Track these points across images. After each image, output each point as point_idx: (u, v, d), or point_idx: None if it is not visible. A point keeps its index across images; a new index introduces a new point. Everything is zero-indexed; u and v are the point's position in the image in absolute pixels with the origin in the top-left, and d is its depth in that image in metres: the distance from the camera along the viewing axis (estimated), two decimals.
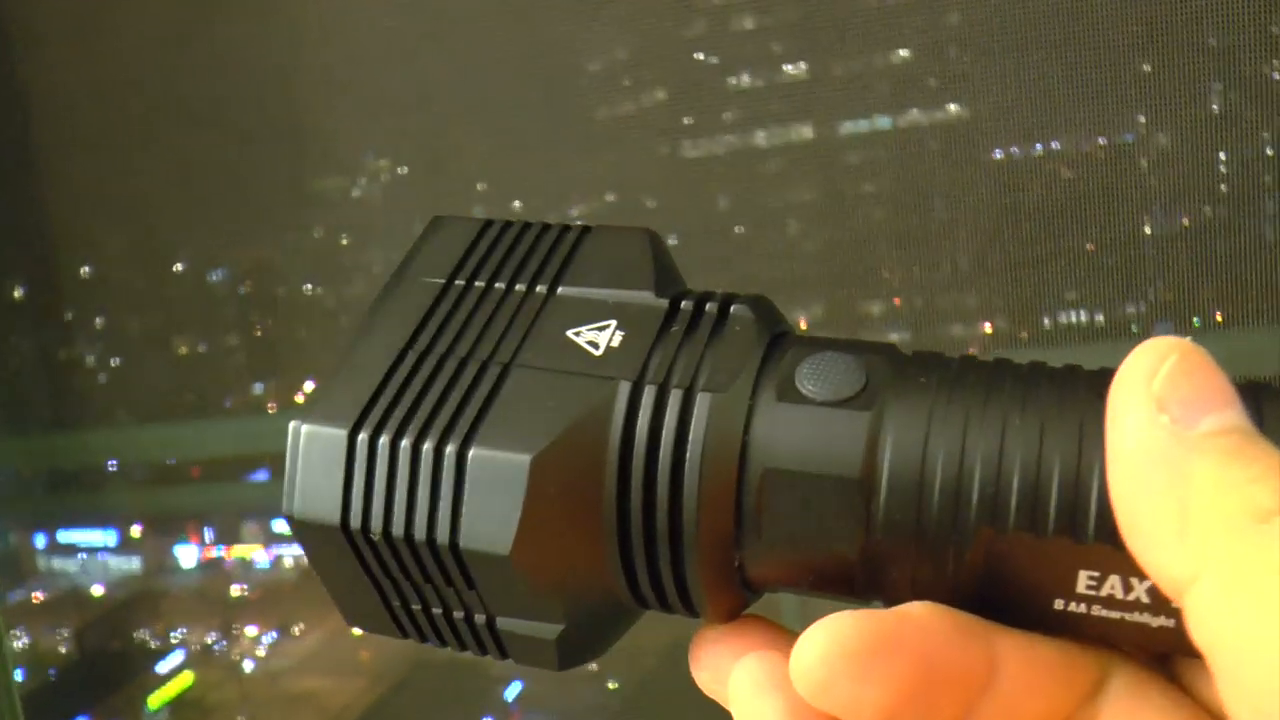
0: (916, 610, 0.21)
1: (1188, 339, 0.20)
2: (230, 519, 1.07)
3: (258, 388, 0.97)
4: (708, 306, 0.24)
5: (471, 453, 0.22)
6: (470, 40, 0.86)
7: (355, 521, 0.23)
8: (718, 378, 0.22)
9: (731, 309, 0.24)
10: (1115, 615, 0.20)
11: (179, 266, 0.96)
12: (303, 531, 0.24)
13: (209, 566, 1.07)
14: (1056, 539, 0.20)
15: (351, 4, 0.88)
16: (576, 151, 0.85)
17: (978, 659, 0.21)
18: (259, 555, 1.06)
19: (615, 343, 0.23)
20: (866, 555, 0.21)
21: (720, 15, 0.79)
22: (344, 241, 0.91)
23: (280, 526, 1.04)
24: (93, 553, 1.10)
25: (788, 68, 0.78)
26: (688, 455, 0.22)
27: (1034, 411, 0.21)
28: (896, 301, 0.79)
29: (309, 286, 0.92)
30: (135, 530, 1.08)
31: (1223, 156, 0.69)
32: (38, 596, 1.13)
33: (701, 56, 0.80)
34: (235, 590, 1.07)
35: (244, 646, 1.08)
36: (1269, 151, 0.68)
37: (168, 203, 0.95)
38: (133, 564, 1.10)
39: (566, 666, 0.24)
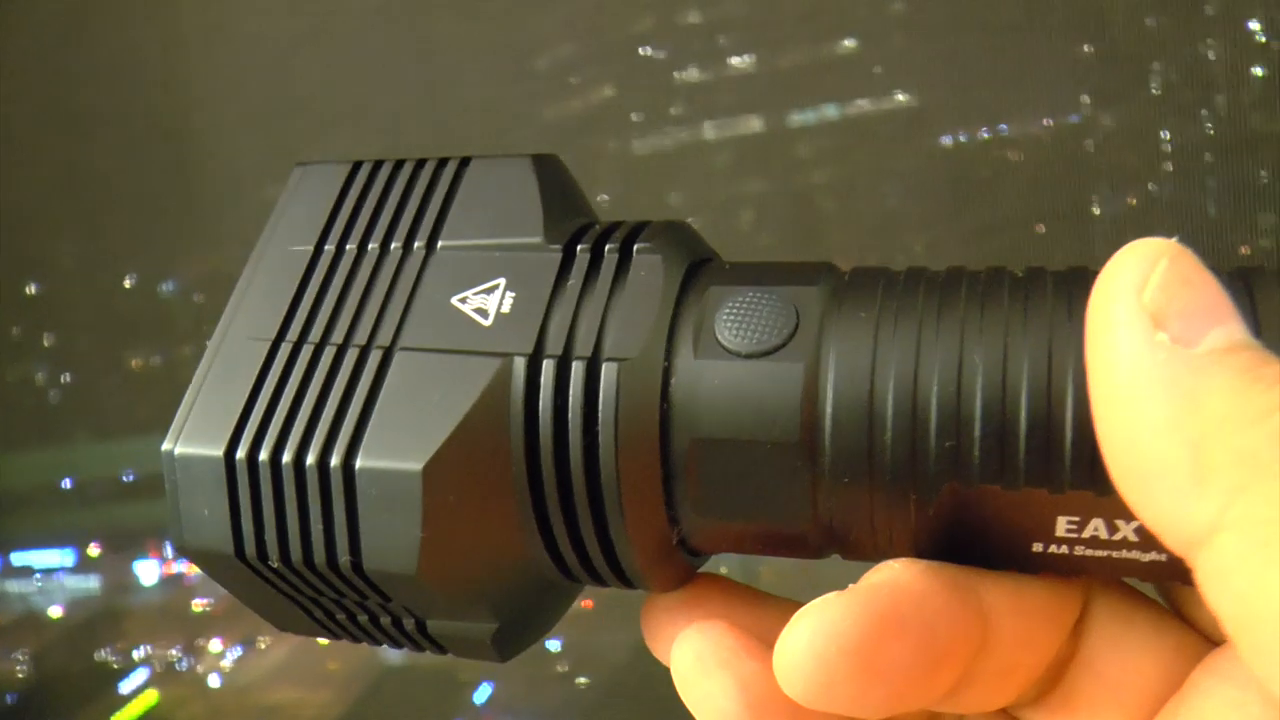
0: (905, 577, 0.18)
1: (1175, 239, 0.16)
2: None
3: None
4: (607, 250, 0.21)
5: (358, 465, 0.20)
6: (415, 41, 0.85)
7: (250, 549, 0.21)
8: (624, 340, 0.20)
9: (635, 250, 0.21)
10: (1101, 554, 0.18)
11: (129, 280, 0.95)
12: (199, 560, 0.22)
13: (170, 582, 1.06)
14: (1029, 490, 0.17)
15: (294, 4, 0.87)
16: (525, 149, 0.85)
17: (973, 619, 0.19)
18: None
19: (506, 307, 0.20)
20: (818, 518, 0.19)
21: (666, 9, 0.79)
22: None
23: None
24: (49, 573, 1.08)
25: (734, 60, 0.78)
26: (600, 436, 0.19)
27: (994, 338, 0.18)
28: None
29: None
30: (93, 549, 1.07)
31: (1165, 135, 0.70)
32: None
33: (648, 51, 0.80)
34: (198, 605, 1.06)
35: (209, 662, 1.07)
36: (1209, 129, 0.69)
37: (115, 216, 0.94)
38: (91, 583, 1.08)
39: (509, 657, 0.22)
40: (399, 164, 0.23)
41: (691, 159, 0.81)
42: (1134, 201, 0.72)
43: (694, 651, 0.20)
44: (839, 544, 0.20)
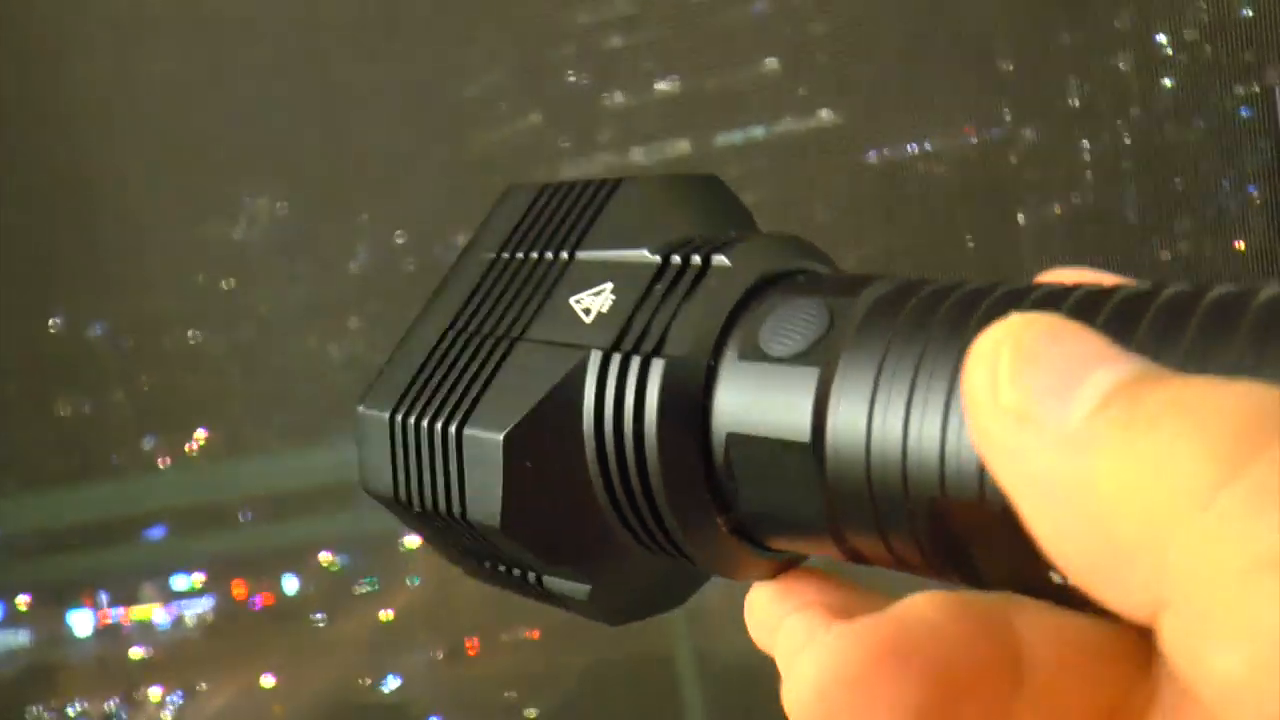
0: (920, 608, 0.17)
1: (1015, 315, 0.15)
2: (126, 580, 1.03)
3: (147, 442, 0.94)
4: (693, 259, 0.22)
5: (465, 432, 0.23)
6: (346, 72, 0.85)
7: (403, 495, 0.25)
8: (678, 340, 0.21)
9: (713, 259, 0.22)
10: None
11: (55, 323, 0.93)
12: (376, 499, 0.26)
13: (106, 632, 1.03)
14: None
15: (227, 38, 0.86)
16: (457, 178, 0.85)
17: (1000, 653, 0.17)
18: (159, 615, 1.03)
19: (605, 307, 0.23)
20: (834, 524, 0.19)
21: (590, 36, 0.79)
22: (227, 285, 0.89)
23: (179, 584, 1.01)
24: None
25: (659, 84, 0.79)
26: (646, 425, 0.21)
27: None
28: None
29: (194, 334, 0.90)
30: (22, 602, 1.04)
31: (1086, 146, 0.72)
32: None
33: (573, 78, 0.80)
34: (136, 653, 1.04)
35: (149, 712, 1.04)
36: (1125, 140, 0.71)
37: (40, 259, 0.92)
38: (21, 638, 1.05)
39: (618, 621, 0.25)
40: (583, 185, 0.26)
41: None
42: (1059, 210, 0.73)
43: (793, 639, 0.20)
44: (865, 557, 0.20)
